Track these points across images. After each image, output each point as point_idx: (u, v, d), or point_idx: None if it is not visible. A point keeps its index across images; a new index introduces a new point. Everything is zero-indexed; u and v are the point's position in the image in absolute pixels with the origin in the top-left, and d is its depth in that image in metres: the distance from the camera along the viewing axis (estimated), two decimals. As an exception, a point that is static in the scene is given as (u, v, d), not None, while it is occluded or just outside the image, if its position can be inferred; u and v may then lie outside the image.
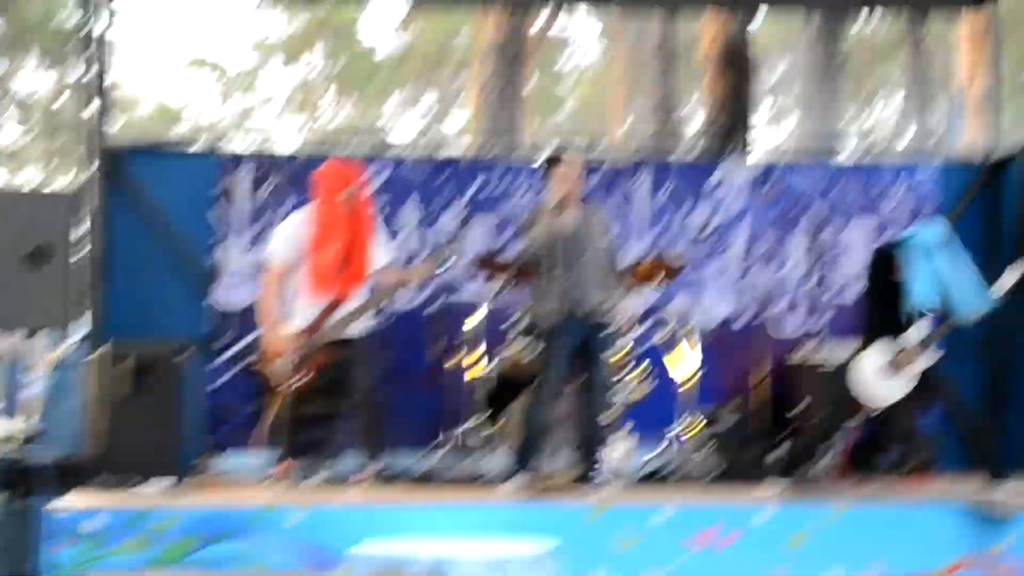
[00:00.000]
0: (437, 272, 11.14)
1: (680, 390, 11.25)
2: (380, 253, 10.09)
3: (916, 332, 10.01)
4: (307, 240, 9.79)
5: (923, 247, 10.01)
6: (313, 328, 9.74)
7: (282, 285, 9.93)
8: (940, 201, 13.19)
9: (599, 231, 10.00)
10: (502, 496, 9.39)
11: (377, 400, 9.83)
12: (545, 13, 35.68)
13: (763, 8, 16.54)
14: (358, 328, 9.86)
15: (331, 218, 9.77)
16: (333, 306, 9.75)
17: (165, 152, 12.97)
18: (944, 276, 9.97)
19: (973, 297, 10.01)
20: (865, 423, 11.83)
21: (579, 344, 9.92)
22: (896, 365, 9.99)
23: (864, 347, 10.12)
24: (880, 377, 10.01)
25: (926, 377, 10.07)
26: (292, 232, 9.90)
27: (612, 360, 10.76)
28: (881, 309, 10.16)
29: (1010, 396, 12.89)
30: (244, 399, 12.02)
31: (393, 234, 12.52)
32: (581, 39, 50.12)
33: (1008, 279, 10.23)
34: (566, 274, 9.79)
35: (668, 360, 11.42)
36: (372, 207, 10.26)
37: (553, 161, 10.14)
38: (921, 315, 10.06)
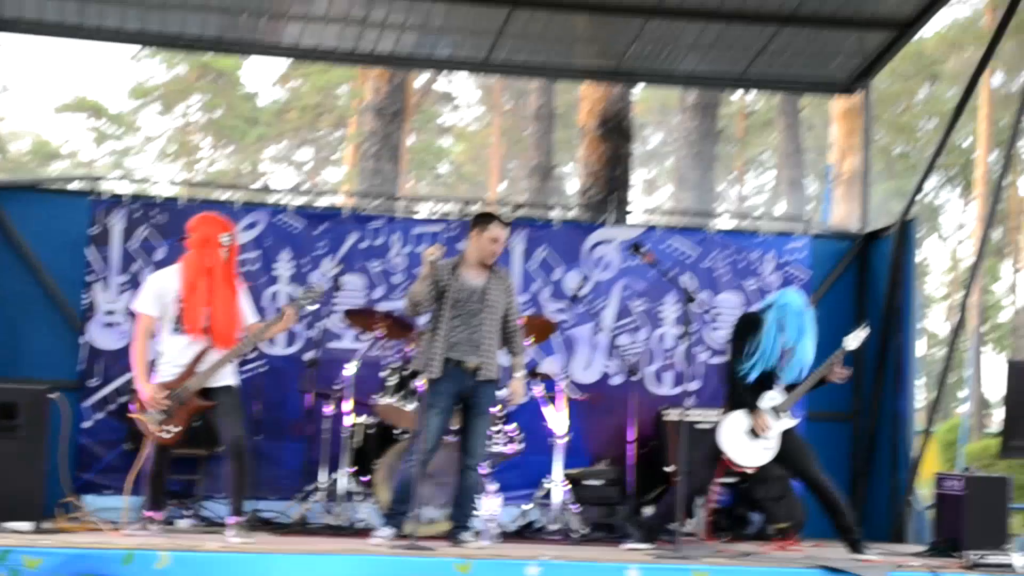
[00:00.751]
0: (299, 320, 11.16)
1: (554, 446, 11.28)
2: (247, 306, 10.06)
3: (769, 399, 10.14)
4: (175, 292, 9.74)
5: (779, 310, 10.16)
6: (182, 378, 9.69)
7: (150, 336, 9.87)
8: (811, 271, 13.42)
9: (503, 292, 10.03)
10: (373, 546, 9.34)
11: (246, 447, 9.76)
12: (426, 73, 35.92)
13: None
14: (225, 378, 9.82)
15: (202, 269, 9.74)
16: (199, 357, 9.70)
17: (40, 190, 12.84)
18: (789, 341, 10.13)
19: (802, 364, 10.18)
20: (734, 484, 11.97)
21: (461, 399, 9.93)
22: (754, 430, 10.11)
23: (729, 410, 10.24)
24: (743, 441, 10.13)
25: (788, 443, 10.18)
26: (161, 285, 9.84)
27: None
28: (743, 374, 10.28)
29: (873, 462, 13.10)
30: (115, 440, 11.92)
31: (272, 281, 12.51)
32: (462, 98, 50.22)
33: (851, 342, 10.41)
34: (458, 330, 9.81)
35: (545, 416, 11.45)
36: (238, 261, 10.20)
37: (483, 220, 10.16)
38: (777, 383, 10.20)
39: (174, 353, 9.75)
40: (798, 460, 10.20)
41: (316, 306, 10.90)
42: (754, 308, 12.06)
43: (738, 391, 10.20)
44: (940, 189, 48.73)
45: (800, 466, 10.22)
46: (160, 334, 9.82)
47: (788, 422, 10.18)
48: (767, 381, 10.20)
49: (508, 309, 10.09)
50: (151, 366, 9.87)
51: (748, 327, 10.31)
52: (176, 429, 9.66)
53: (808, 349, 10.16)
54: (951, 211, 52.12)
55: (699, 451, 10.24)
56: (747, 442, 10.13)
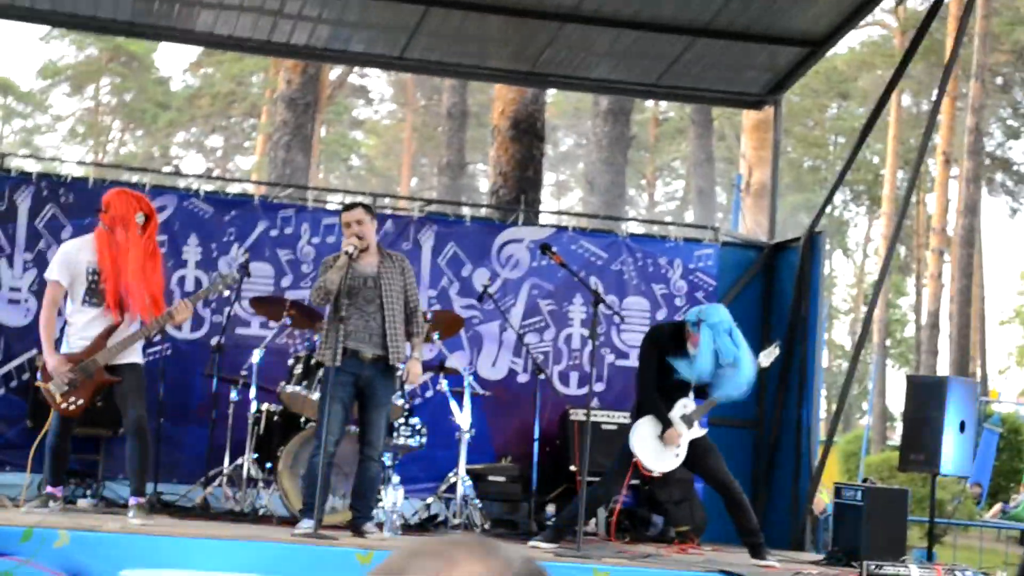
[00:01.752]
0: (207, 303, 11.18)
1: (459, 441, 11.32)
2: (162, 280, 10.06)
3: (680, 408, 10.24)
4: (88, 263, 9.69)
5: (712, 327, 10.25)
6: (90, 351, 9.63)
7: (58, 307, 9.82)
8: (718, 279, 13.55)
9: (398, 275, 10.04)
10: (274, 534, 9.34)
11: (148, 428, 9.74)
12: (339, 68, 35.84)
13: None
14: (132, 356, 9.78)
15: (118, 245, 9.68)
16: (108, 332, 9.66)
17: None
18: (726, 356, 10.22)
19: (745, 380, 10.27)
20: (637, 487, 12.07)
21: (359, 389, 9.93)
22: (665, 438, 10.20)
23: (640, 415, 10.32)
24: (654, 446, 10.22)
25: (697, 445, 10.29)
26: (72, 254, 9.78)
27: (393, 407, 10.84)
28: (655, 382, 10.36)
29: (775, 470, 13.25)
30: (16, 417, 11.82)
31: (180, 264, 12.46)
32: (375, 92, 50.18)
33: (764, 359, 10.54)
34: (353, 318, 9.82)
35: (450, 411, 11.49)
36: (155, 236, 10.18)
37: (345, 210, 10.21)
38: (687, 391, 10.30)
39: (83, 324, 9.70)
40: (707, 462, 10.30)
41: (228, 292, 10.90)
42: (664, 320, 12.20)
43: (650, 399, 10.29)
44: (848, 204, 49.30)
45: (708, 468, 10.32)
46: (69, 304, 9.77)
47: (697, 431, 10.28)
48: (681, 388, 10.30)
49: (407, 291, 10.11)
50: (59, 335, 9.83)
51: (664, 339, 10.40)
52: (80, 402, 9.61)
53: (747, 363, 10.24)
54: (857, 226, 52.75)
55: (609, 449, 10.32)
56: (658, 447, 10.22)
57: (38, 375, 9.92)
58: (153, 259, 9.87)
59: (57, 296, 9.76)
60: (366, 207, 10.20)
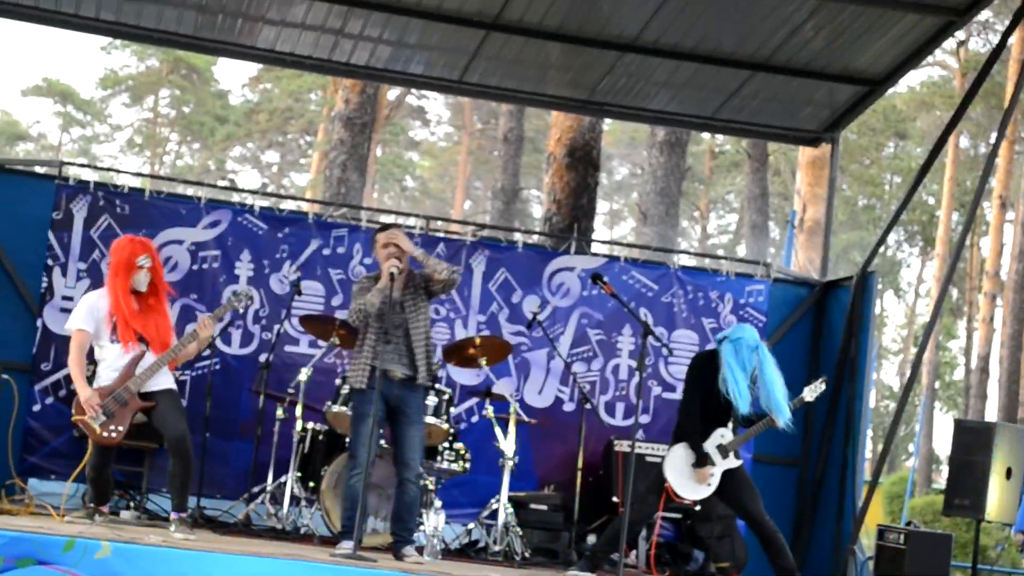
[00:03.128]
0: (230, 320, 11.30)
1: (503, 468, 11.29)
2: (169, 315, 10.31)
3: (717, 437, 10.20)
4: (106, 310, 9.92)
5: (733, 342, 10.24)
6: (121, 380, 9.80)
7: (85, 351, 10.01)
8: (768, 315, 13.48)
9: (422, 298, 10.01)
10: (314, 553, 9.33)
11: (190, 444, 9.81)
12: (397, 89, 35.91)
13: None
14: (163, 382, 9.93)
15: (127, 292, 9.91)
16: (136, 361, 9.83)
17: (5, 170, 12.78)
18: (758, 377, 10.21)
19: (782, 402, 10.22)
20: (679, 520, 12.02)
21: (390, 409, 9.92)
22: (696, 473, 10.17)
23: (675, 442, 10.30)
24: (686, 472, 10.18)
25: (734, 481, 10.23)
26: (93, 304, 10.03)
27: (436, 431, 10.82)
28: (696, 410, 10.34)
29: (818, 509, 13.16)
30: (63, 426, 11.85)
31: (232, 280, 12.50)
32: (432, 115, 50.27)
33: (808, 394, 10.48)
34: (382, 340, 9.81)
35: (493, 438, 11.46)
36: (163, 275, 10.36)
37: (379, 231, 10.21)
38: (726, 421, 10.26)
39: (111, 359, 9.97)
40: (742, 499, 10.24)
41: (243, 310, 11.00)
42: (707, 348, 12.14)
43: (688, 426, 10.26)
44: (901, 244, 49.06)
45: (744, 505, 10.26)
46: (97, 348, 9.97)
47: (732, 462, 10.23)
48: (721, 417, 10.26)
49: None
50: (89, 377, 10.01)
51: (703, 365, 10.39)
52: (120, 429, 9.81)
53: (775, 380, 10.20)
54: (910, 266, 52.48)
55: (653, 481, 10.28)
56: (690, 475, 10.18)
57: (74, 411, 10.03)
58: (161, 296, 10.13)
59: (84, 342, 10.07)
60: (399, 228, 10.28)
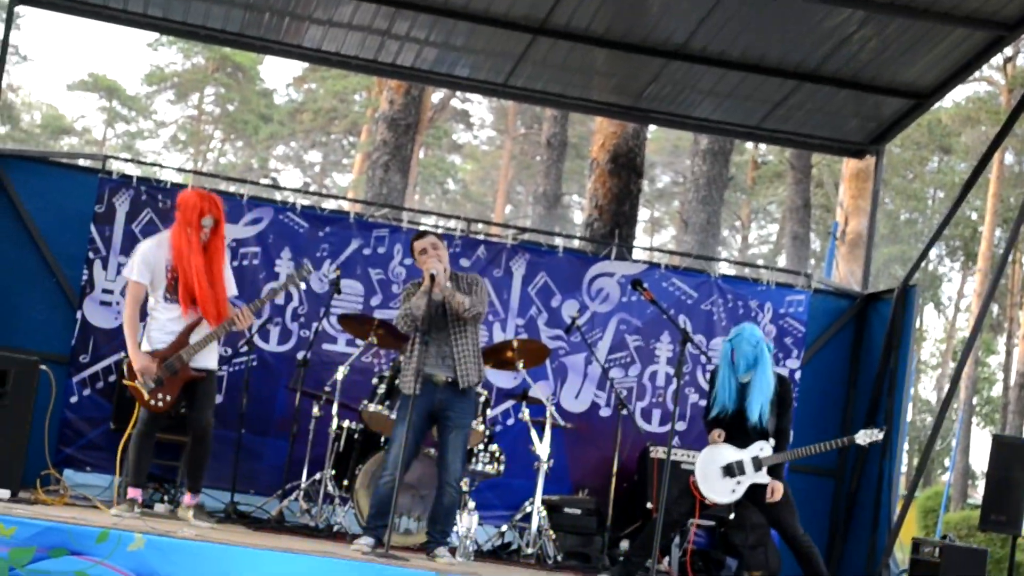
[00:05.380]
0: (296, 317, 11.27)
1: (537, 471, 11.28)
2: (232, 288, 10.18)
3: (756, 449, 10.15)
4: (166, 261, 9.82)
5: (731, 341, 10.25)
6: (174, 347, 9.76)
7: (140, 306, 9.94)
8: (807, 326, 13.44)
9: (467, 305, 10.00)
10: (348, 552, 9.34)
11: (211, 433, 9.84)
12: (441, 91, 35.93)
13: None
14: (209, 360, 9.90)
15: (188, 245, 9.81)
16: (190, 329, 9.78)
17: (49, 162, 12.84)
18: (744, 373, 10.20)
19: (755, 401, 10.20)
20: (713, 528, 11.98)
21: (434, 414, 9.94)
22: (728, 471, 10.15)
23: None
24: (715, 474, 10.16)
25: (761, 492, 10.20)
26: (151, 253, 9.92)
27: (472, 433, 10.81)
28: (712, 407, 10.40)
29: (853, 521, 13.11)
30: (100, 418, 11.92)
31: (272, 277, 12.52)
32: (476, 118, 50.32)
33: (861, 438, 10.41)
34: (428, 343, 9.81)
35: (530, 440, 11.45)
36: (224, 238, 10.27)
37: (415, 238, 10.22)
38: (766, 436, 10.22)
39: (164, 321, 9.88)
40: (779, 512, 10.18)
41: (303, 285, 11.03)
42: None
43: (707, 429, 10.29)
44: (943, 259, 48.84)
45: (780, 519, 10.20)
46: (151, 300, 9.89)
47: (763, 477, 10.16)
48: (737, 422, 10.23)
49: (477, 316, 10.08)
50: (141, 336, 9.93)
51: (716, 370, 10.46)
52: (168, 398, 9.80)
53: (763, 380, 10.17)
54: (951, 281, 52.22)
55: (687, 488, 10.26)
56: (718, 477, 10.15)
57: (124, 373, 10.01)
58: (216, 263, 9.98)
59: (139, 295, 9.92)
60: (437, 236, 10.27)
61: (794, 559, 10.33)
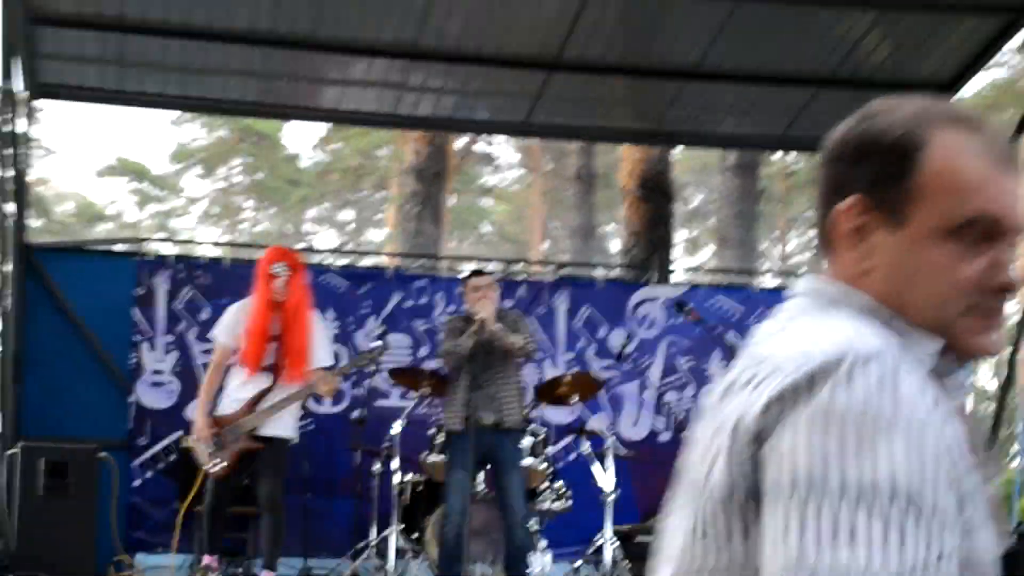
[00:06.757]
0: (364, 373, 11.25)
1: (604, 503, 11.26)
2: (322, 352, 10.13)
3: None
4: (243, 327, 9.81)
5: None
6: (240, 414, 9.74)
7: (222, 369, 9.96)
8: (857, 328, 13.39)
9: (520, 344, 10.00)
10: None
11: (281, 504, 9.80)
12: (466, 136, 36.04)
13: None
14: (281, 429, 9.86)
15: (263, 303, 9.79)
16: (260, 396, 9.76)
17: (85, 251, 12.94)
18: None
19: None
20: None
21: (486, 456, 9.95)
22: None
23: None
24: None
25: None
26: (235, 316, 9.94)
27: (534, 472, 10.80)
28: None
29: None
30: (165, 498, 11.97)
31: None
32: (502, 159, 50.41)
33: None
34: (473, 384, 9.84)
35: (592, 474, 11.45)
36: (310, 302, 10.25)
37: (468, 278, 10.26)
38: None
39: (235, 387, 9.85)
40: None
41: (374, 366, 11.06)
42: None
43: None
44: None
45: None
46: (233, 365, 9.91)
47: None
48: None
49: (525, 353, 10.08)
50: (215, 399, 9.94)
51: None
52: (224, 464, 9.70)
53: None
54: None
55: None
56: None
57: (192, 436, 10.04)
58: (298, 321, 9.92)
59: (220, 357, 9.92)
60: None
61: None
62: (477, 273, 10.33)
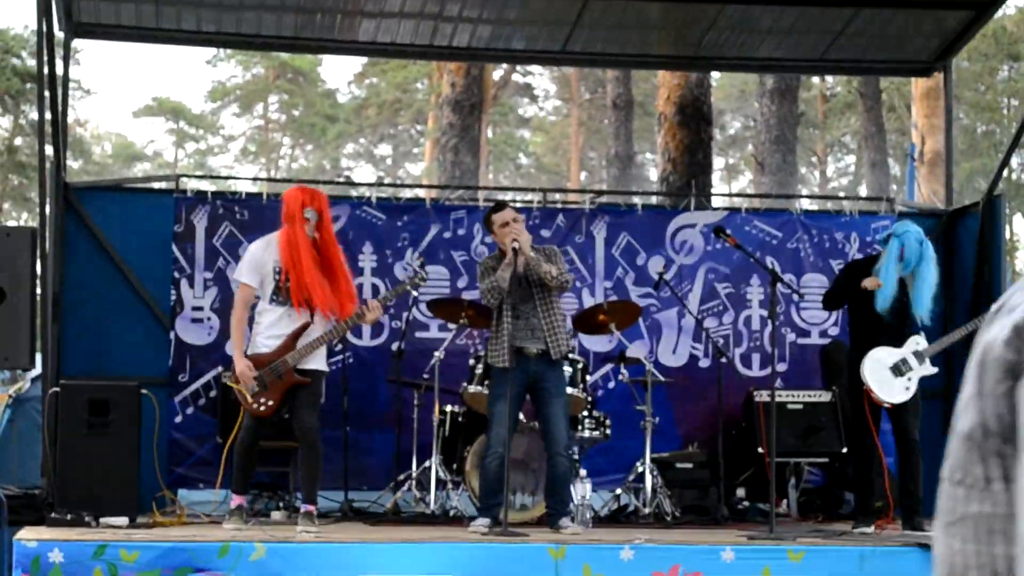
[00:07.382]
0: (386, 309, 11.25)
1: (644, 430, 11.27)
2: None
3: (913, 344, 10.24)
4: (274, 263, 9.78)
5: (899, 237, 10.30)
6: (280, 351, 9.71)
7: (249, 309, 9.95)
8: (898, 250, 13.31)
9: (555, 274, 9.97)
10: (466, 535, 9.37)
11: (318, 437, 9.79)
12: (502, 67, 35.94)
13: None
14: (317, 361, 9.85)
15: (295, 243, 9.77)
16: (299, 332, 9.74)
17: (124, 190, 12.94)
18: (917, 272, 10.28)
19: (926, 297, 10.27)
20: (827, 464, 11.92)
21: (529, 386, 9.95)
22: (896, 370, 10.22)
23: (857, 350, 10.33)
24: (886, 376, 10.21)
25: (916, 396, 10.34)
26: (259, 255, 9.90)
27: (575, 401, 10.78)
28: (837, 301, 10.70)
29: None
30: (206, 435, 12.00)
31: (356, 273, 12.54)
32: (539, 90, 50.26)
33: (951, 337, 10.50)
34: (516, 315, 9.83)
35: (632, 401, 11.45)
36: (333, 234, 10.25)
37: (489, 214, 10.23)
38: (913, 329, 10.31)
39: (270, 323, 9.80)
40: (905, 409, 10.29)
41: (415, 292, 11.07)
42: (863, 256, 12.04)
43: (863, 333, 10.31)
44: (1026, 167, 48.21)
45: (903, 415, 10.32)
46: (260, 303, 9.89)
47: (929, 368, 10.30)
48: (898, 320, 10.24)
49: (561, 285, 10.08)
50: (248, 339, 9.93)
51: (855, 268, 10.52)
52: (271, 403, 9.68)
53: (931, 276, 10.24)
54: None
55: (796, 435, 10.32)
56: (890, 378, 10.23)
57: (229, 374, 10.06)
58: (328, 256, 9.94)
59: (248, 298, 9.91)
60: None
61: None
62: (498, 207, 10.30)
